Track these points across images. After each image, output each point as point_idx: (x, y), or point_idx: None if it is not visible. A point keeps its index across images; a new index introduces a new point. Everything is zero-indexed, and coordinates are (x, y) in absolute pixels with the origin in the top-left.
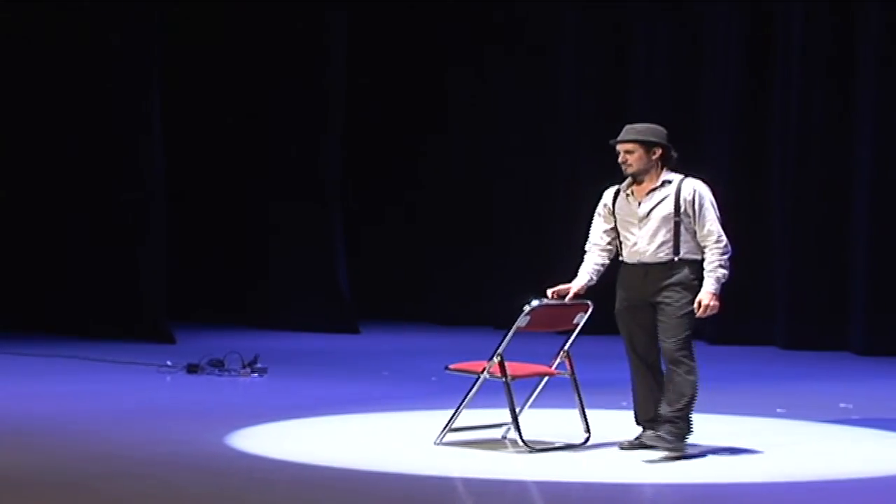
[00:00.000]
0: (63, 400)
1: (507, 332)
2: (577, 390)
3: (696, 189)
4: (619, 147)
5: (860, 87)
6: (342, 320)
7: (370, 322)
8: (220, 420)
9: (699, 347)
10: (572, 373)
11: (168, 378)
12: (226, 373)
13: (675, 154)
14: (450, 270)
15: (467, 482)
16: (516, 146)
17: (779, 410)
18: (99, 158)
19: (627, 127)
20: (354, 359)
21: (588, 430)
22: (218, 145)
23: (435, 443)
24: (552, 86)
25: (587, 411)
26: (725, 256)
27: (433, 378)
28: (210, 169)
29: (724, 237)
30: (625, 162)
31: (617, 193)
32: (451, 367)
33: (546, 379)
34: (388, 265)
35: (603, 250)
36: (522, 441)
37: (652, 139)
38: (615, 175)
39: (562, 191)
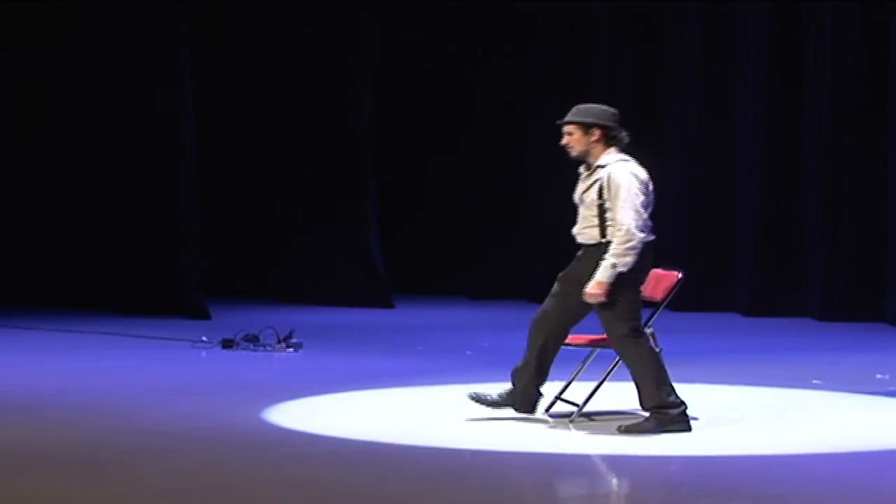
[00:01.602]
0: (99, 376)
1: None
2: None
3: (615, 175)
4: (564, 128)
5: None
6: (376, 295)
7: (404, 297)
8: (255, 395)
9: (734, 319)
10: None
11: (203, 353)
12: (261, 348)
13: (622, 135)
14: (484, 244)
15: (502, 455)
16: (549, 127)
17: (815, 382)
18: (135, 135)
19: (575, 107)
20: (389, 333)
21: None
22: (253, 125)
23: (546, 413)
24: (585, 69)
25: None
26: (625, 246)
27: (468, 352)
28: (246, 145)
29: (629, 227)
30: (567, 144)
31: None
32: (569, 341)
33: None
34: (423, 239)
35: None
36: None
37: (589, 120)
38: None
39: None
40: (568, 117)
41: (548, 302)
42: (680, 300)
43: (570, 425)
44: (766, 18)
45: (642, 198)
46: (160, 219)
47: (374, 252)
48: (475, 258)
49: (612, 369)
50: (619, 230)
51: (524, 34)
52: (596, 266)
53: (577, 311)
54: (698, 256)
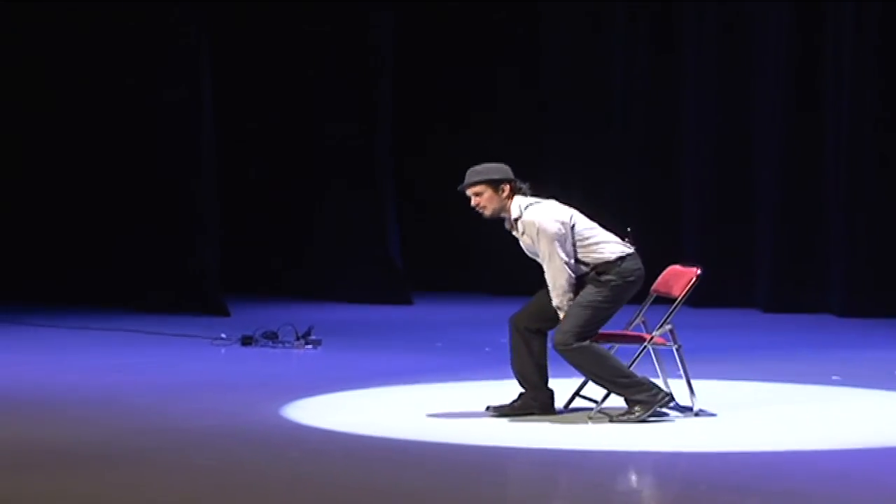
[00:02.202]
0: (118, 373)
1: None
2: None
3: (529, 226)
4: (469, 191)
5: None
6: (395, 291)
7: (423, 293)
8: (274, 392)
9: (753, 315)
10: (676, 342)
11: (222, 350)
12: (280, 345)
13: (523, 185)
14: (503, 240)
15: (523, 452)
16: (567, 124)
17: (834, 378)
18: (150, 131)
19: (469, 171)
20: (408, 330)
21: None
22: (272, 123)
23: (588, 420)
24: (603, 66)
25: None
26: (555, 284)
27: (487, 349)
28: (264, 144)
29: (559, 270)
30: (477, 205)
31: None
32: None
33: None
34: (441, 235)
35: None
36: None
37: (497, 177)
38: (653, 165)
39: (612, 171)
40: (472, 179)
41: (529, 302)
42: (699, 296)
43: (589, 421)
44: (786, 11)
45: (568, 233)
46: (179, 216)
47: (392, 248)
48: (494, 254)
49: (632, 363)
50: (549, 269)
51: (544, 30)
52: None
53: (552, 315)
54: (717, 252)
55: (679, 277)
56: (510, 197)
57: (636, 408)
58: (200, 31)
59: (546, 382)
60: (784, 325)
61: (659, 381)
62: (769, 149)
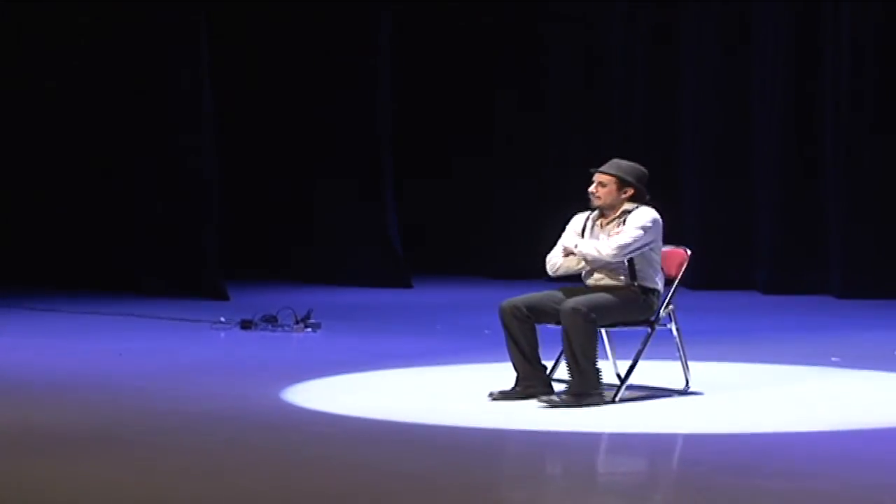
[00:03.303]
0: (118, 357)
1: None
2: (679, 342)
3: (643, 212)
4: (596, 177)
5: None
6: (395, 275)
7: (423, 276)
8: (274, 376)
9: (753, 297)
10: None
11: (222, 334)
12: (279, 328)
13: (647, 196)
14: (503, 224)
15: (522, 434)
16: (572, 109)
17: (833, 359)
18: (151, 117)
19: (613, 160)
20: (407, 313)
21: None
22: (273, 107)
23: (615, 401)
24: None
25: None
26: (605, 251)
27: (486, 331)
28: (266, 127)
29: (626, 243)
30: (594, 193)
31: (587, 220)
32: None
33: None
34: (441, 219)
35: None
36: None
37: (628, 178)
38: (652, 149)
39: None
40: (607, 169)
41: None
42: (699, 278)
43: (616, 399)
44: None
45: (655, 242)
46: (179, 201)
47: (392, 232)
48: (494, 238)
49: (642, 348)
50: (622, 240)
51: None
52: (616, 295)
53: (549, 311)
54: (717, 235)
55: (671, 259)
56: (627, 200)
57: (570, 397)
58: (201, 19)
59: (541, 362)
60: (784, 306)
61: (608, 363)
62: (768, 130)
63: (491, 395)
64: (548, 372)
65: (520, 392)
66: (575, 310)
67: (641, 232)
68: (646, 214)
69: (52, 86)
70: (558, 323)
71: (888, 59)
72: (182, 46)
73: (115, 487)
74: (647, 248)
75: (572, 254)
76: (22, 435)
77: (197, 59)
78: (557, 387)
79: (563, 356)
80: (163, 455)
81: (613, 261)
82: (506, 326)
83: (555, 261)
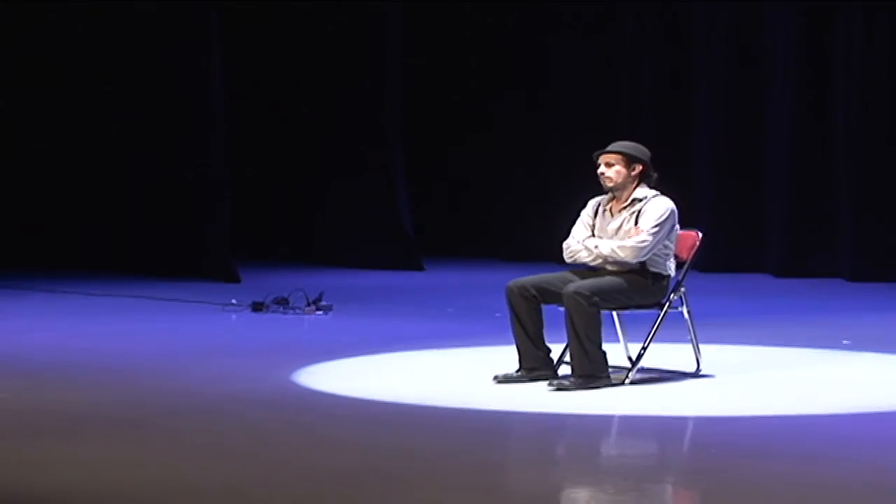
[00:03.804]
0: (129, 339)
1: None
2: (691, 324)
3: (659, 203)
4: (602, 159)
5: None
6: (406, 257)
7: (434, 259)
8: (286, 358)
9: (764, 280)
10: (687, 306)
11: (233, 316)
12: (291, 311)
13: (654, 174)
14: (515, 205)
15: (531, 416)
16: (578, 88)
17: (844, 342)
18: (164, 97)
19: (615, 142)
20: (419, 296)
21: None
22: (284, 89)
23: (625, 383)
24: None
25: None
26: (634, 248)
27: (497, 314)
28: (277, 109)
29: (647, 246)
30: (603, 175)
31: (598, 206)
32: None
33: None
34: (453, 201)
35: None
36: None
37: (636, 155)
38: (664, 130)
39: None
40: (612, 148)
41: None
42: (711, 261)
43: (626, 382)
44: None
45: (671, 233)
46: (191, 182)
47: (404, 214)
48: (506, 220)
49: (656, 329)
50: (642, 241)
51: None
52: (628, 279)
53: (558, 292)
54: (729, 217)
55: (683, 241)
56: (637, 179)
57: (578, 380)
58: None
59: (545, 343)
60: (795, 289)
61: (619, 346)
62: (780, 113)
63: (496, 378)
64: (557, 357)
65: (524, 375)
66: (577, 293)
67: (657, 228)
68: (659, 207)
69: (64, 71)
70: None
71: None
72: (193, 32)
73: (127, 469)
74: (664, 240)
75: (601, 256)
76: (33, 417)
77: (208, 42)
78: (563, 370)
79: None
80: (174, 437)
81: (633, 261)
82: (512, 306)
83: (574, 248)
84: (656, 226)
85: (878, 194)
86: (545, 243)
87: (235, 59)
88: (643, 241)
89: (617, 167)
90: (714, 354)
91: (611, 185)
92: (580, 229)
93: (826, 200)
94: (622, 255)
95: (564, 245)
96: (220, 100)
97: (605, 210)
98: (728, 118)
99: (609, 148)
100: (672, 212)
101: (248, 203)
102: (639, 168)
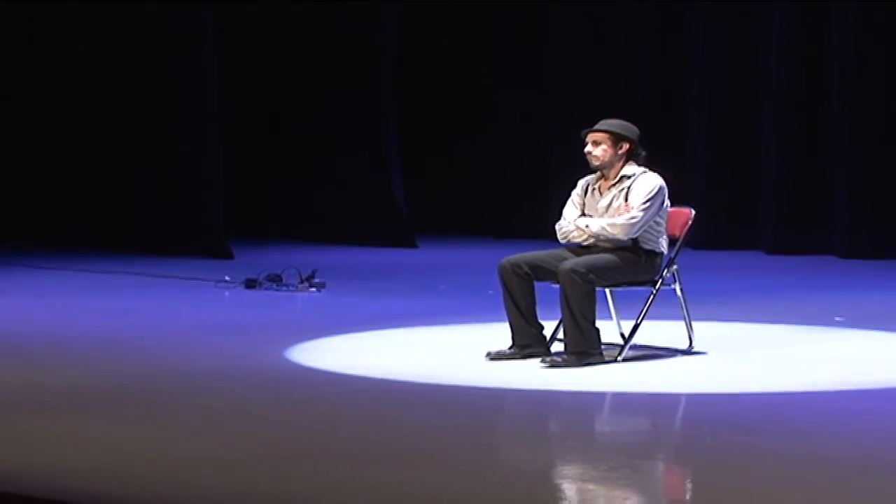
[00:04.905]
0: (122, 315)
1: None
2: (683, 302)
3: (648, 179)
4: (589, 138)
5: None
6: (400, 235)
7: (428, 236)
8: (279, 335)
9: (757, 257)
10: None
11: (226, 293)
12: (284, 288)
13: (642, 152)
14: (507, 183)
15: (524, 393)
16: (575, 66)
17: (837, 319)
18: (159, 76)
19: (603, 120)
20: (412, 273)
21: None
22: (277, 65)
23: (618, 360)
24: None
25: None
26: (625, 225)
27: (490, 291)
28: (268, 86)
29: (638, 222)
30: (590, 154)
31: (588, 185)
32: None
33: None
34: (446, 179)
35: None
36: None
37: (622, 132)
38: (657, 107)
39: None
40: (599, 127)
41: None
42: (704, 238)
43: (619, 359)
44: None
45: (661, 209)
46: (184, 159)
47: (397, 192)
48: (498, 197)
49: (648, 306)
50: (632, 217)
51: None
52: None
53: (551, 269)
54: (722, 195)
55: (676, 218)
56: (624, 157)
57: (571, 357)
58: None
59: (538, 320)
60: (788, 266)
61: (612, 323)
62: (773, 91)
63: (488, 354)
64: (549, 334)
65: (517, 352)
66: (573, 270)
67: (648, 204)
68: (648, 183)
69: (63, 58)
70: (559, 282)
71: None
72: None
73: (119, 445)
74: (655, 216)
75: (594, 235)
76: (25, 393)
77: (202, 23)
78: (555, 347)
79: (562, 317)
80: (166, 413)
81: (625, 238)
82: (504, 283)
83: (566, 229)
84: (647, 202)
85: (871, 171)
86: (539, 221)
87: (229, 38)
88: (633, 218)
89: (603, 146)
90: (706, 331)
91: (598, 163)
92: (570, 209)
93: (819, 177)
94: (613, 232)
95: (557, 227)
96: (214, 77)
97: (594, 189)
98: (722, 94)
99: (596, 126)
100: (661, 188)
101: (242, 180)
102: (626, 146)
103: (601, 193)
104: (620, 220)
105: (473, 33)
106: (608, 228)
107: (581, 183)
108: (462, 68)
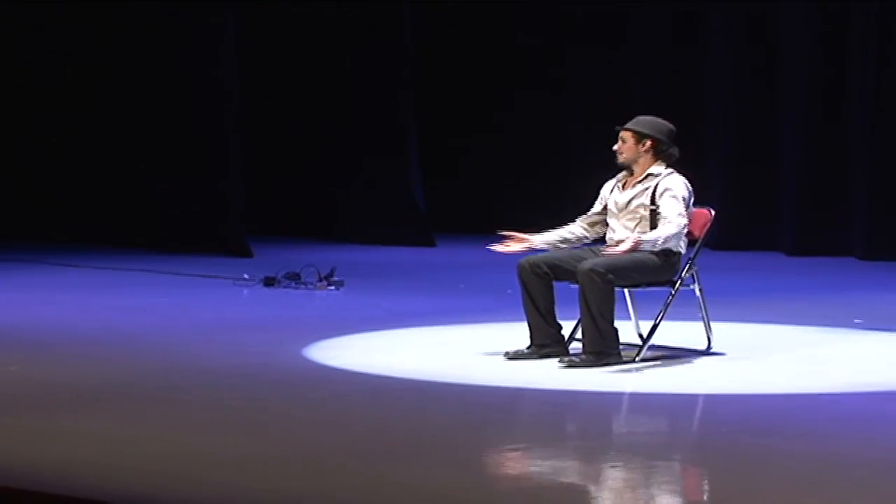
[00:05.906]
0: (141, 313)
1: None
2: (702, 303)
3: (673, 183)
4: (620, 134)
5: None
6: (418, 233)
7: (446, 235)
8: (297, 333)
9: (776, 258)
10: (698, 284)
11: (245, 291)
12: (302, 286)
13: (672, 151)
14: (526, 182)
15: (542, 393)
16: (593, 65)
17: (856, 321)
18: (177, 74)
19: (636, 117)
20: (430, 272)
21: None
22: (296, 64)
23: (636, 360)
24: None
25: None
26: (666, 235)
27: (509, 291)
28: (288, 85)
29: (681, 226)
30: (617, 150)
31: (614, 184)
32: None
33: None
34: (464, 177)
35: (587, 227)
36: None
37: (644, 131)
38: (676, 107)
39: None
40: (626, 125)
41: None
42: (722, 239)
43: (637, 359)
44: None
45: (688, 210)
46: (203, 158)
47: (415, 190)
48: (517, 195)
49: (667, 306)
50: (672, 224)
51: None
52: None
53: (570, 269)
54: (741, 195)
55: (696, 219)
56: (649, 154)
57: (589, 357)
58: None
59: (556, 320)
60: (807, 268)
61: (630, 323)
62: (793, 89)
63: (506, 354)
64: (568, 334)
65: (535, 352)
66: (592, 270)
67: (681, 202)
68: (678, 187)
69: (83, 55)
70: (578, 282)
71: None
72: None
73: (136, 442)
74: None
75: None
76: (43, 389)
77: (222, 21)
78: (573, 347)
79: (580, 317)
80: (183, 411)
81: (676, 237)
82: (523, 283)
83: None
84: (685, 206)
85: (891, 172)
86: (558, 221)
87: (249, 36)
88: (682, 224)
89: (627, 143)
90: (725, 332)
91: (622, 160)
92: (595, 206)
93: (839, 178)
94: (667, 233)
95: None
96: (235, 76)
97: (619, 184)
98: (741, 96)
99: (627, 125)
100: (690, 191)
101: (261, 178)
102: (648, 143)
103: (623, 189)
104: (672, 229)
105: (493, 33)
106: (662, 234)
107: (607, 185)
108: (481, 67)
